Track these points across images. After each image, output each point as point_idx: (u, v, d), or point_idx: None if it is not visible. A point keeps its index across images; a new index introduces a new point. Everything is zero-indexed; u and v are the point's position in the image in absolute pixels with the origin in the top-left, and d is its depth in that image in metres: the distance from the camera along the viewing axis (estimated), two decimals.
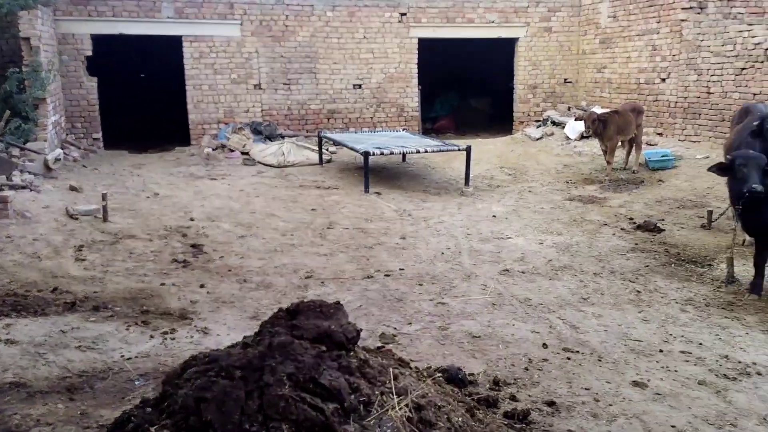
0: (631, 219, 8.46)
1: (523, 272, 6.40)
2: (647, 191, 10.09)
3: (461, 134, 16.31)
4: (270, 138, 13.16)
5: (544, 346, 4.65)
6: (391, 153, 10.32)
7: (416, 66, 14.47)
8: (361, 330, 3.19)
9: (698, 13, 11.98)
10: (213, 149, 12.82)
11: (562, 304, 5.56)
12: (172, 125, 14.41)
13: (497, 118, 16.75)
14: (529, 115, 15.40)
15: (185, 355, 3.97)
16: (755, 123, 6.73)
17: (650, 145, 12.37)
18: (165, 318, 5.21)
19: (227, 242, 7.33)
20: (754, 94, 10.66)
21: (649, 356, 4.49)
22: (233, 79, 13.59)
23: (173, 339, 4.78)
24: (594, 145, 12.24)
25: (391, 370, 3.07)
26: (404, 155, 12.07)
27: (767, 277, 5.90)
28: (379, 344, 4.71)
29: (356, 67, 14.17)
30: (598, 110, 12.32)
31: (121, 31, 12.83)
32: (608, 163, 11.07)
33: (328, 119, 14.23)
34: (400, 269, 6.45)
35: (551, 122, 14.70)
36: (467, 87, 18.36)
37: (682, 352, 4.56)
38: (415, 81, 14.56)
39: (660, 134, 12.87)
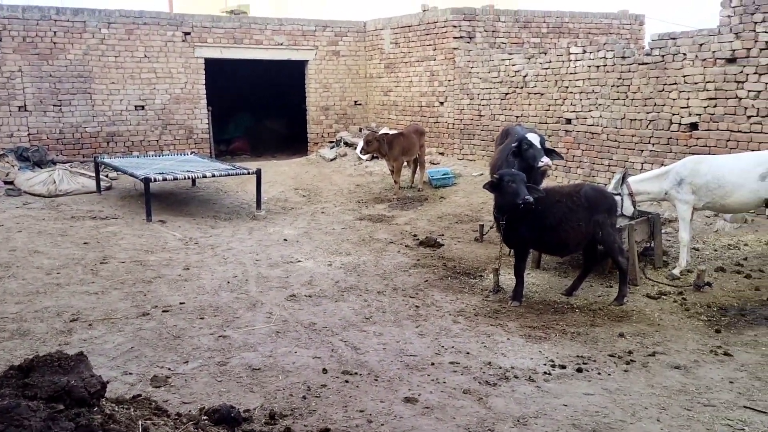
0: (415, 236, 8.88)
1: (310, 296, 6.38)
2: (431, 208, 10.69)
3: (257, 156, 16.17)
4: (39, 165, 11.90)
5: (324, 371, 4.64)
6: (175, 178, 9.81)
7: (204, 86, 14.03)
8: (108, 381, 2.89)
9: (468, 42, 13.06)
10: None
11: (345, 325, 5.61)
12: None
13: (293, 138, 16.83)
14: (323, 136, 15.66)
15: None
16: (514, 144, 7.41)
17: (433, 164, 13.19)
18: None
19: None
20: (517, 117, 11.83)
21: (422, 370, 4.67)
22: None
23: None
24: (384, 165, 12.73)
25: (140, 422, 2.82)
26: (194, 180, 11.59)
27: (527, 284, 6.50)
28: (150, 388, 4.39)
29: (137, 88, 13.38)
30: (386, 131, 12.87)
31: None
32: (395, 182, 11.58)
33: (108, 143, 13.23)
34: (181, 303, 6.10)
35: (344, 143, 15.07)
36: (263, 108, 18.24)
37: (452, 362, 4.81)
38: (204, 102, 14.11)
39: (442, 153, 13.78)
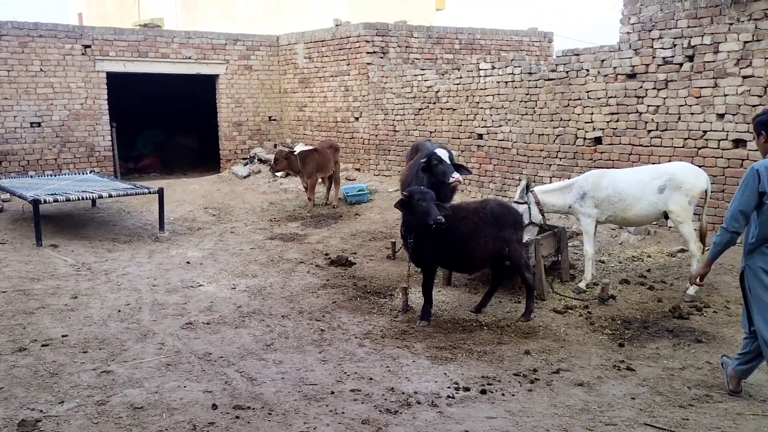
0: (326, 255, 8.60)
1: (208, 323, 6.00)
2: (345, 225, 10.46)
3: (168, 173, 15.57)
4: None
5: (214, 407, 4.29)
6: (68, 199, 9.17)
7: (106, 102, 13.34)
8: None
9: (381, 58, 13.00)
10: None
11: (243, 354, 5.28)
12: None
13: (207, 155, 16.30)
14: (236, 152, 15.20)
15: None
16: (423, 160, 7.31)
17: (350, 180, 12.99)
18: None
19: None
20: (431, 132, 11.81)
21: (321, 400, 4.40)
22: None
23: None
24: (299, 182, 12.42)
25: None
26: (94, 200, 10.91)
27: (437, 302, 6.35)
28: None
29: (33, 104, 12.57)
30: (301, 147, 12.58)
31: None
32: (309, 199, 11.30)
33: (1, 162, 12.34)
34: (63, 336, 5.60)
35: (258, 160, 14.66)
36: (174, 123, 17.59)
37: (353, 390, 4.56)
38: (107, 118, 13.40)
39: (358, 169, 13.61)
